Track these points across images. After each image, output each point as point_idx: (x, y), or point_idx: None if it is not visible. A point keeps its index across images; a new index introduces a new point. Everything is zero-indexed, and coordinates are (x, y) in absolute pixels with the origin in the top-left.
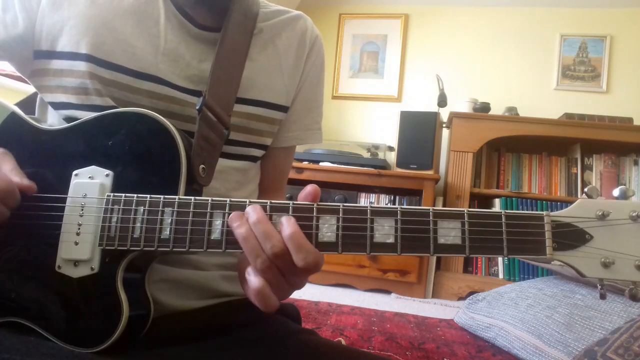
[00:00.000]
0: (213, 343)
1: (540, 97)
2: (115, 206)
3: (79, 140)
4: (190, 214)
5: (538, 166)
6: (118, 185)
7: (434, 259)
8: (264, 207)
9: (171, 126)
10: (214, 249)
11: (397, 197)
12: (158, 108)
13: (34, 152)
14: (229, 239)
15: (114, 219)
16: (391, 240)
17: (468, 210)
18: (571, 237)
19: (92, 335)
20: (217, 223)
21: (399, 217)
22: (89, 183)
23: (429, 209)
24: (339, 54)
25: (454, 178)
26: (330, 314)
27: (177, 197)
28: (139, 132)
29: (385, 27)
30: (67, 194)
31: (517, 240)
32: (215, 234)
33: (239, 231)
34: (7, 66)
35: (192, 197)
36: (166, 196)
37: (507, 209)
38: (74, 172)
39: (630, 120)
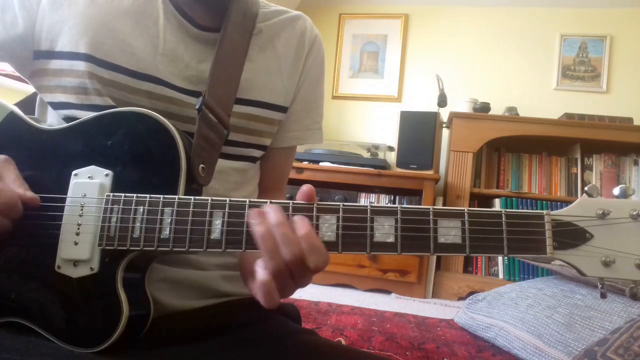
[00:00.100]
0: (213, 343)
1: (540, 97)
2: (115, 206)
3: (78, 140)
4: (190, 214)
5: (538, 166)
6: (118, 185)
7: (434, 259)
8: (285, 207)
9: (171, 126)
10: (214, 249)
11: (397, 197)
12: (157, 108)
13: (33, 152)
14: (229, 239)
15: (114, 219)
16: (391, 239)
17: (468, 210)
18: (571, 236)
19: (92, 335)
20: (217, 223)
21: (399, 216)
22: (89, 183)
23: (429, 208)
24: (339, 54)
25: (454, 178)
26: (330, 314)
27: (176, 196)
28: (138, 131)
29: (385, 27)
30: (66, 194)
31: (518, 240)
32: (215, 234)
33: (258, 229)
34: (7, 66)
35: (192, 197)
36: (166, 196)
37: (507, 209)
38: (74, 172)
39: (630, 120)
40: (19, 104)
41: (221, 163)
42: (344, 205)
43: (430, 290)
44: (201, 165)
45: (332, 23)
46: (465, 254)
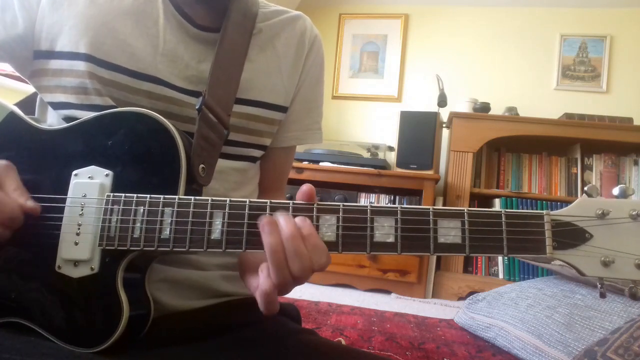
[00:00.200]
0: (213, 343)
1: (540, 97)
2: (115, 206)
3: (78, 140)
4: (190, 214)
5: (538, 166)
6: (118, 185)
7: (434, 259)
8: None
9: (171, 126)
10: (214, 249)
11: (397, 197)
12: (157, 108)
13: (33, 152)
14: (229, 239)
15: (114, 219)
16: (391, 239)
17: (468, 210)
18: (571, 236)
19: (92, 335)
20: (217, 223)
21: (399, 216)
22: (89, 183)
23: (429, 208)
24: (339, 54)
25: (454, 178)
26: (330, 314)
27: (177, 197)
28: (138, 131)
29: (385, 27)
30: (66, 194)
31: (517, 240)
32: (215, 234)
33: (269, 240)
34: (7, 66)
35: (192, 197)
36: (166, 196)
37: (507, 209)
38: (74, 172)
39: (630, 120)
40: (19, 104)
41: (221, 163)
42: (344, 205)
43: (430, 290)
44: (201, 165)
45: (332, 23)
46: (465, 254)
